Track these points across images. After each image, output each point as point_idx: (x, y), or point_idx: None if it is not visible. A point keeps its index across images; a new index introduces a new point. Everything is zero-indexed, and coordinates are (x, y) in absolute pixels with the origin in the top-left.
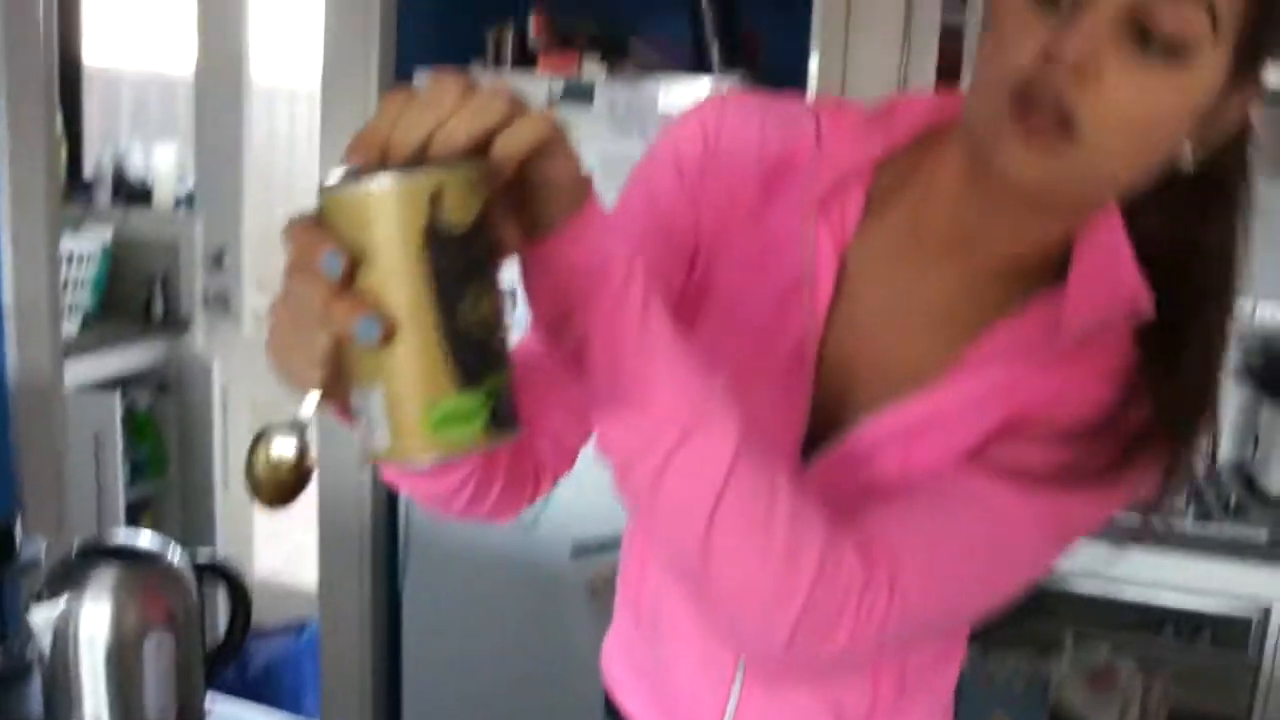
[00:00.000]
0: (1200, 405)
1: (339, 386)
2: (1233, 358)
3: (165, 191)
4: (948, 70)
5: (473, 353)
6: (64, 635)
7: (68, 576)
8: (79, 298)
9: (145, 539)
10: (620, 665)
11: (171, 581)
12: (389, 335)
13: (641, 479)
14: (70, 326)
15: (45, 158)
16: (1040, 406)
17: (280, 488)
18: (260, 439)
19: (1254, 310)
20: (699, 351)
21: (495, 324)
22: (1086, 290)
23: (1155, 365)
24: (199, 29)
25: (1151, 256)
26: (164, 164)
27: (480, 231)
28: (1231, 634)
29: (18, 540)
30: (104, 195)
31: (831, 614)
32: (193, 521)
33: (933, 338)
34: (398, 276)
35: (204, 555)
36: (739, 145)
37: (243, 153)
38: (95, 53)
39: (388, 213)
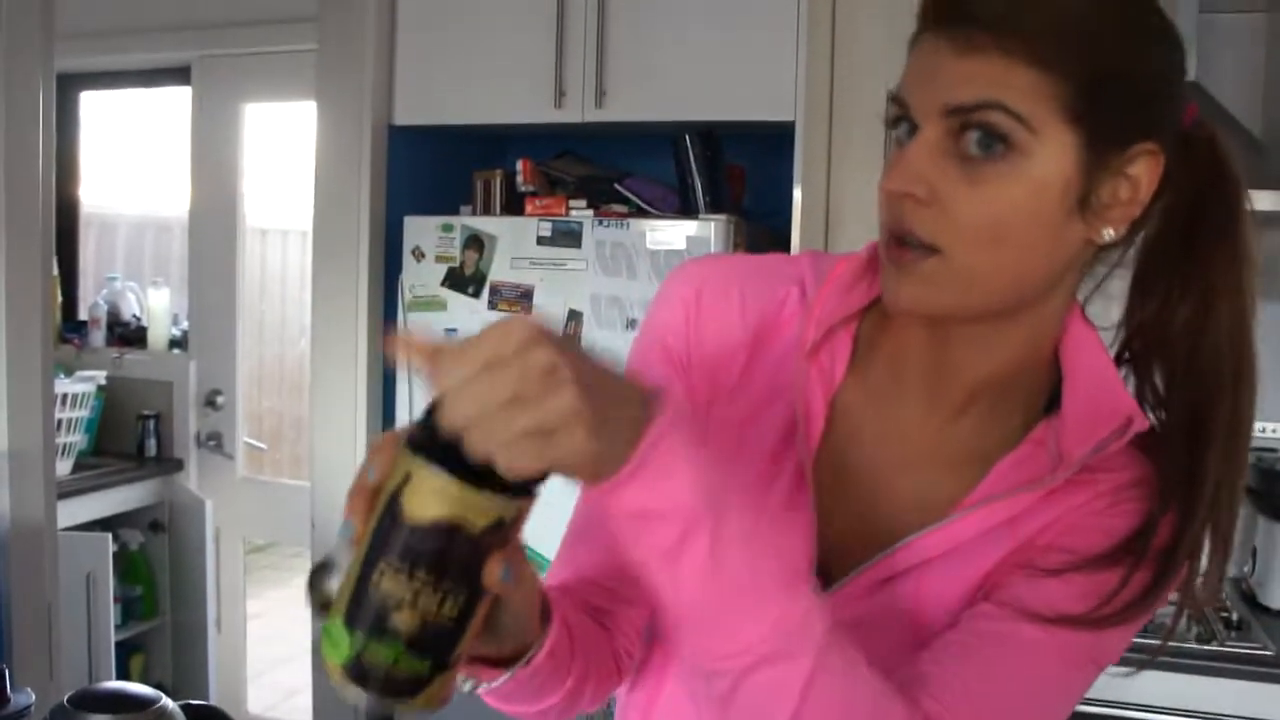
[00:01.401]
0: (1225, 504)
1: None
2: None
3: (159, 332)
4: None
5: (361, 605)
6: None
7: None
8: (73, 439)
9: (137, 686)
10: None
11: None
12: (355, 542)
13: (719, 688)
14: (64, 467)
15: (41, 299)
16: (1059, 536)
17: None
18: (319, 570)
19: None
20: (779, 552)
21: (394, 605)
22: (1079, 417)
23: (1175, 469)
24: (194, 172)
25: (1162, 348)
26: (158, 305)
27: (419, 533)
28: None
29: (8, 689)
30: (98, 336)
31: None
32: (185, 661)
33: (937, 474)
34: (372, 510)
35: (196, 701)
36: (720, 325)
37: (236, 293)
38: (92, 195)
39: (394, 464)
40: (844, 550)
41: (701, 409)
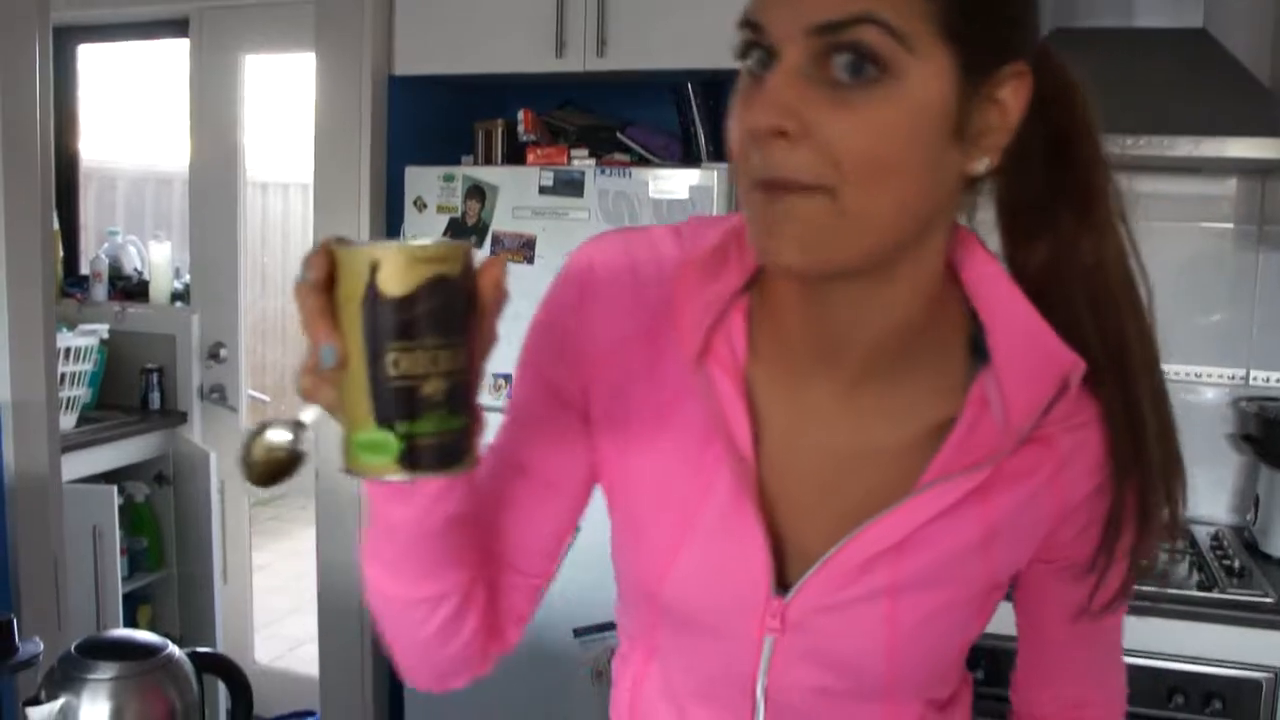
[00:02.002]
0: (1168, 432)
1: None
2: (1232, 423)
3: (161, 286)
4: None
5: (389, 399)
6: None
7: (67, 674)
8: (77, 392)
9: (144, 634)
10: None
11: (171, 677)
12: (342, 364)
13: None
14: (68, 420)
15: (42, 253)
16: (1072, 532)
17: (272, 469)
18: (261, 428)
19: (1249, 376)
20: None
21: (419, 380)
22: (1016, 371)
23: (1113, 407)
24: (193, 126)
25: (1061, 288)
26: (160, 258)
27: (413, 303)
28: (1242, 700)
29: (15, 638)
30: (100, 290)
31: None
32: (191, 612)
33: (875, 450)
34: (346, 322)
35: (203, 649)
36: (613, 316)
37: (238, 246)
38: (91, 149)
39: (345, 271)
40: (806, 540)
41: (600, 408)
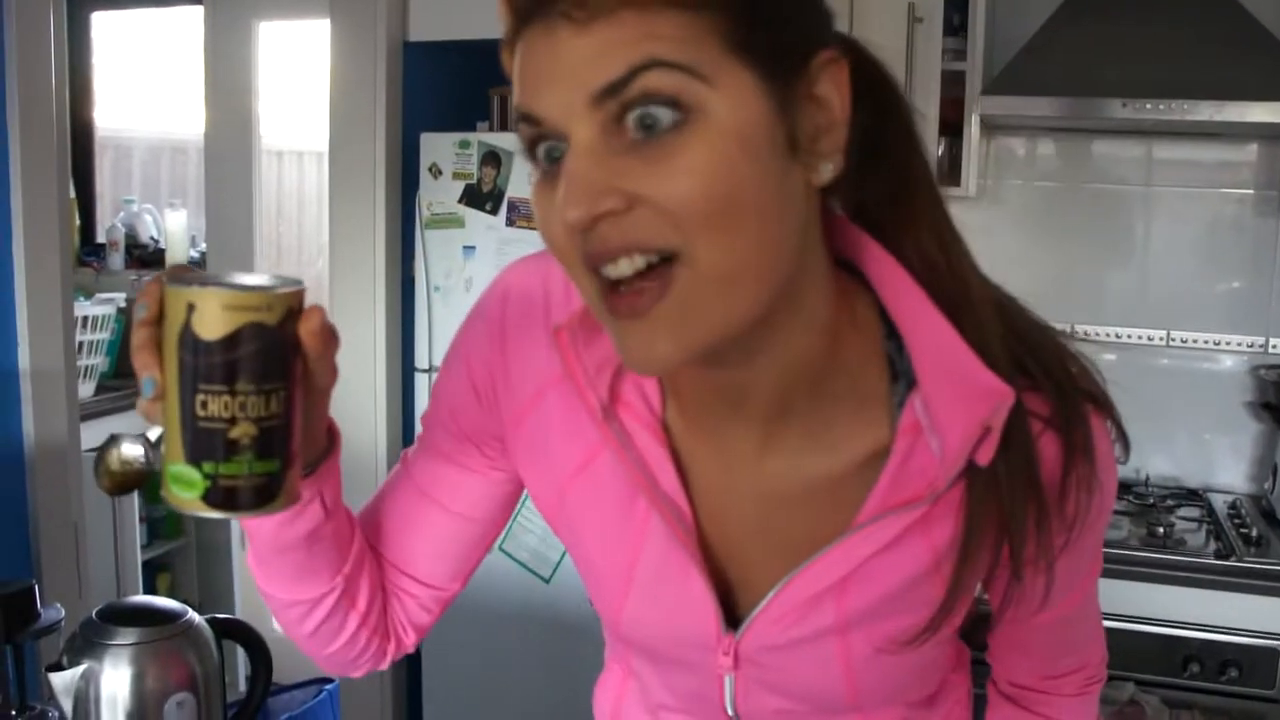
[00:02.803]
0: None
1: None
2: (1251, 391)
3: (177, 254)
4: (951, 107)
5: (197, 439)
6: (85, 699)
7: (88, 640)
8: (94, 361)
9: (164, 601)
10: None
11: (191, 643)
12: (159, 396)
13: None
14: (86, 389)
15: (58, 222)
16: None
17: (124, 481)
18: (112, 440)
19: (1268, 344)
20: None
21: (227, 424)
22: (948, 409)
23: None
24: (208, 94)
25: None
26: (176, 226)
27: (225, 347)
28: (1258, 668)
29: (38, 605)
30: (117, 259)
31: None
32: (210, 580)
33: (812, 486)
34: (166, 358)
35: (223, 615)
36: (529, 362)
37: (254, 214)
38: (107, 118)
39: (168, 308)
40: (748, 579)
41: (523, 454)
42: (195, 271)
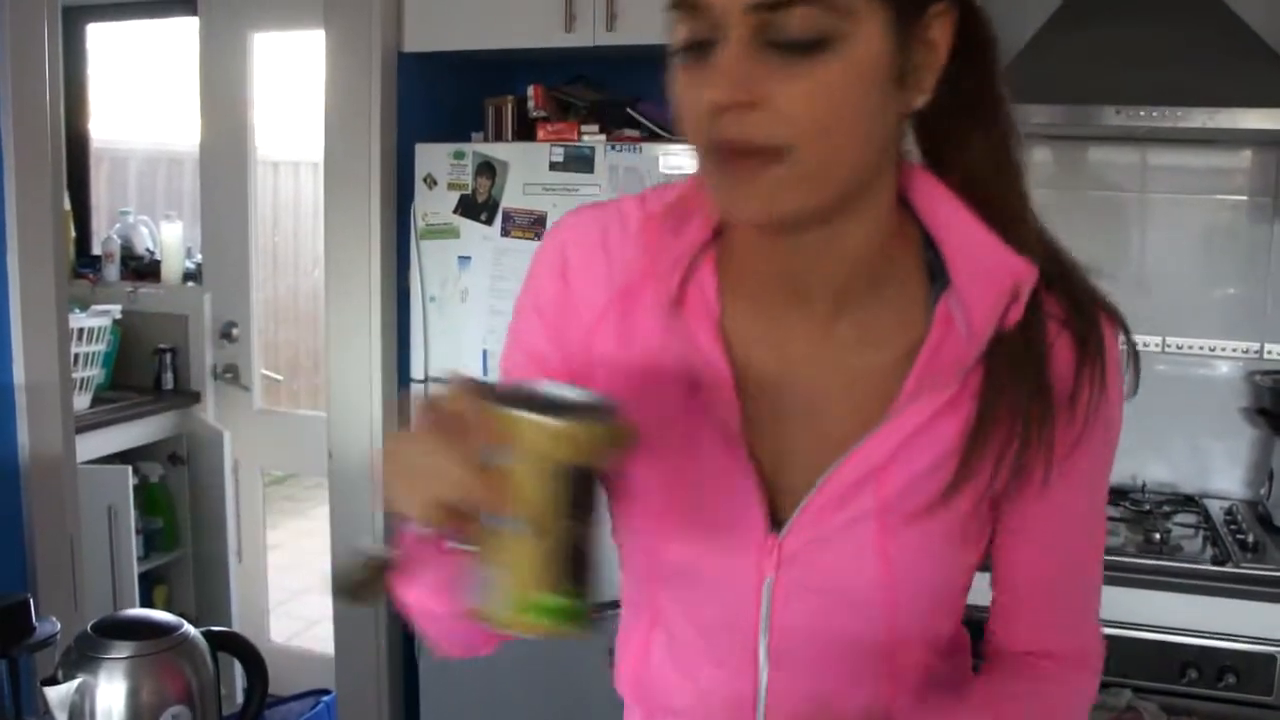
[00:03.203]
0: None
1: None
2: (1246, 397)
3: (173, 266)
4: None
5: (576, 563)
6: (80, 713)
7: (83, 654)
8: (90, 373)
9: (160, 614)
10: None
11: (186, 656)
12: (536, 534)
13: None
14: (82, 401)
15: (53, 234)
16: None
17: (372, 585)
18: (358, 551)
19: (1263, 349)
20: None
21: (586, 543)
22: (974, 285)
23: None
24: (203, 105)
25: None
26: (171, 238)
27: (588, 475)
28: (1256, 674)
29: (33, 618)
30: (112, 270)
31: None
32: (207, 591)
33: (855, 379)
34: (535, 489)
35: (218, 628)
36: (590, 282)
37: (249, 225)
38: (102, 130)
39: (525, 437)
40: (795, 478)
41: (584, 377)
42: (510, 389)
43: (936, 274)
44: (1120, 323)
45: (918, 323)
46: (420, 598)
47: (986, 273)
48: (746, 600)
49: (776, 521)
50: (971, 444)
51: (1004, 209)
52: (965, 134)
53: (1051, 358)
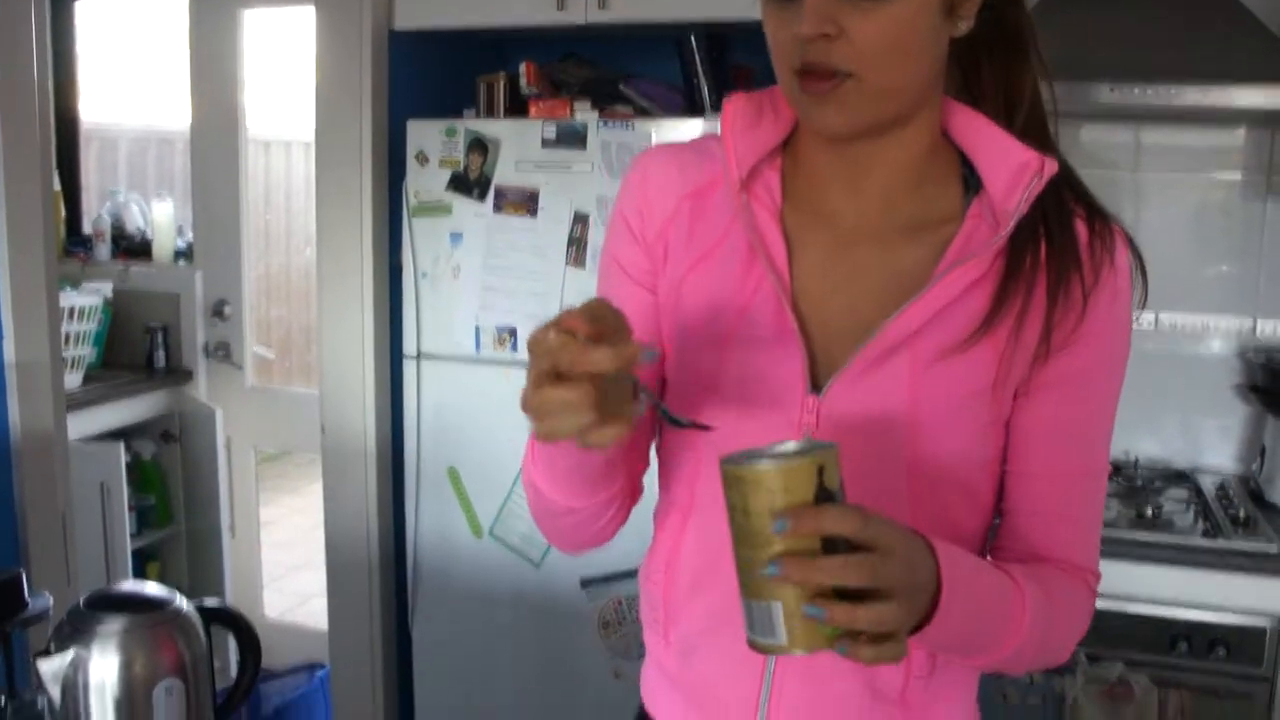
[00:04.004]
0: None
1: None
2: (1238, 373)
3: (164, 245)
4: None
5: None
6: (74, 686)
7: (76, 627)
8: (81, 351)
9: (152, 587)
10: (653, 675)
11: (179, 628)
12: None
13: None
14: (74, 379)
15: (43, 213)
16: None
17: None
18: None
19: (1255, 326)
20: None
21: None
22: (1001, 181)
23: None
24: (194, 84)
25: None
26: (163, 217)
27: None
28: (1246, 647)
29: (25, 593)
30: (103, 249)
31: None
32: (200, 568)
33: (897, 260)
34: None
35: (211, 601)
36: (663, 191)
37: (240, 204)
38: (92, 110)
39: (791, 482)
40: (835, 347)
41: (659, 254)
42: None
43: (970, 185)
44: (1129, 237)
45: (954, 219)
46: (540, 482)
47: (1014, 166)
48: None
49: (817, 387)
50: (998, 299)
51: (1032, 127)
52: (1000, 59)
53: (1069, 233)
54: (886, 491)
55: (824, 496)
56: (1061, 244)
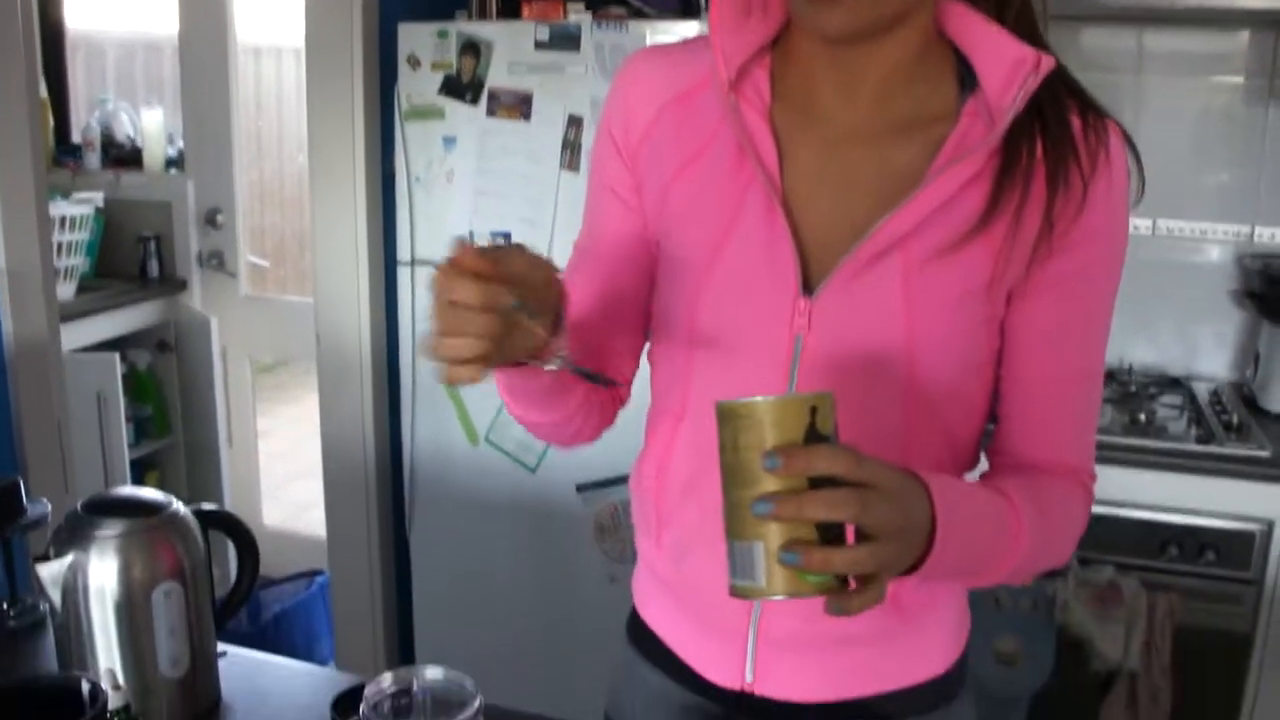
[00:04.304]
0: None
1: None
2: (1235, 280)
3: (155, 153)
4: None
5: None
6: (73, 590)
7: (74, 532)
8: (74, 261)
9: (148, 492)
10: (645, 579)
11: (176, 532)
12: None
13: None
14: (67, 290)
15: (29, 120)
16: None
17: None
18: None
19: (1254, 233)
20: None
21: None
22: (996, 78)
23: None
24: None
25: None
26: (152, 125)
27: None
28: (1235, 551)
29: (23, 499)
30: (93, 159)
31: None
32: (199, 478)
33: (890, 159)
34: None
35: (208, 506)
36: (647, 95)
37: (231, 111)
38: (77, 15)
39: (786, 417)
40: (827, 249)
41: (645, 164)
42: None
43: (966, 83)
44: (1124, 132)
45: (948, 118)
46: (507, 400)
47: (1009, 63)
48: (778, 361)
49: (809, 289)
50: (993, 198)
51: (1022, 27)
52: None
53: (1065, 127)
54: (881, 397)
55: (815, 439)
56: (1058, 136)
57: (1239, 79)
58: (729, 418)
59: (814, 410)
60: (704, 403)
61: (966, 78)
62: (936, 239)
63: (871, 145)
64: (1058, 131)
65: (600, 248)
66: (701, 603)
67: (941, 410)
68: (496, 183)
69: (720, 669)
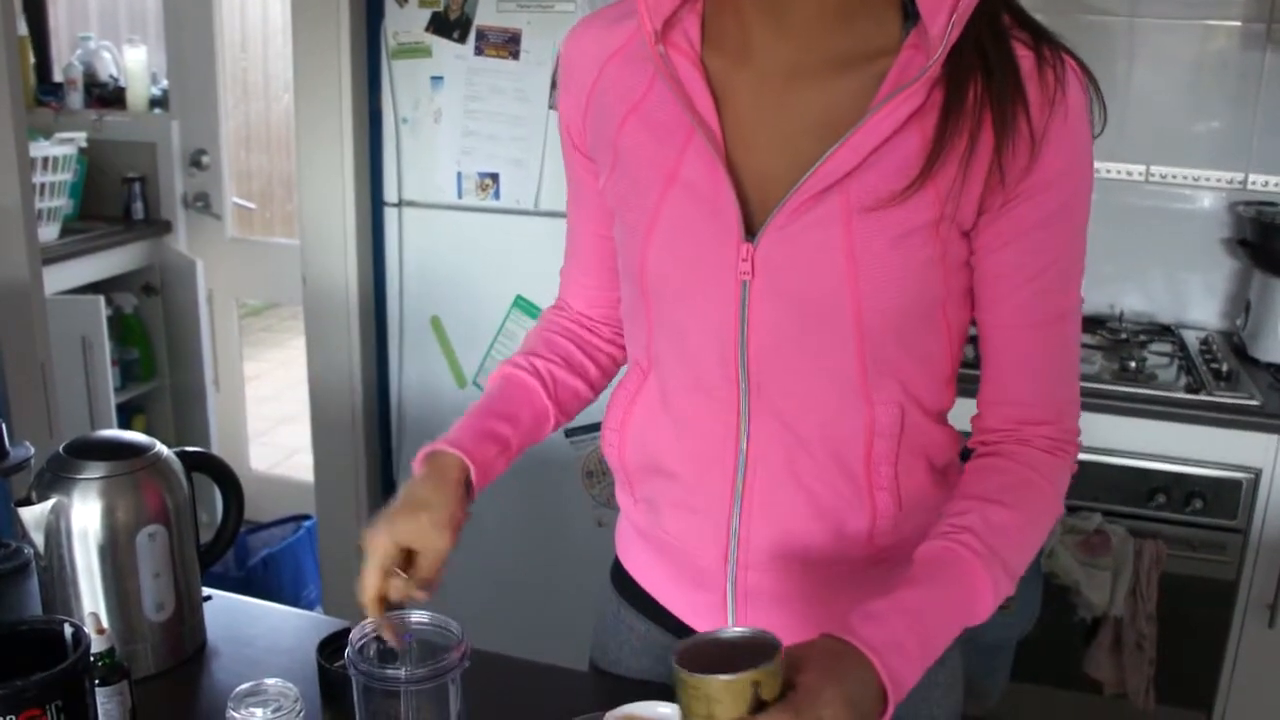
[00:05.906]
0: None
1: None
2: (1228, 227)
3: (139, 93)
4: None
5: None
6: (57, 533)
7: (56, 475)
8: (57, 203)
9: (132, 434)
10: (626, 529)
11: (160, 474)
12: None
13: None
14: (50, 232)
15: (7, 58)
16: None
17: None
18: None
19: (1247, 180)
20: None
21: None
22: (930, 5)
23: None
24: None
25: None
26: (136, 64)
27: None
28: (1222, 500)
29: (6, 442)
30: (76, 98)
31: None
32: (186, 422)
33: (830, 95)
34: None
35: (192, 448)
36: (583, 59)
37: (216, 50)
38: None
39: (730, 696)
40: (769, 193)
41: (592, 119)
42: (689, 647)
43: (910, 16)
44: (1084, 67)
45: (889, 52)
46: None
47: None
48: (727, 308)
49: (751, 233)
50: (937, 138)
51: None
52: None
53: (1009, 61)
54: (832, 340)
55: (760, 708)
56: (1001, 71)
57: (1235, 23)
58: (683, 685)
59: (756, 684)
60: (665, 354)
61: (910, 9)
62: (878, 179)
63: (811, 83)
64: (1001, 67)
65: (582, 209)
66: (679, 554)
67: (895, 353)
68: (484, 123)
69: (703, 617)
